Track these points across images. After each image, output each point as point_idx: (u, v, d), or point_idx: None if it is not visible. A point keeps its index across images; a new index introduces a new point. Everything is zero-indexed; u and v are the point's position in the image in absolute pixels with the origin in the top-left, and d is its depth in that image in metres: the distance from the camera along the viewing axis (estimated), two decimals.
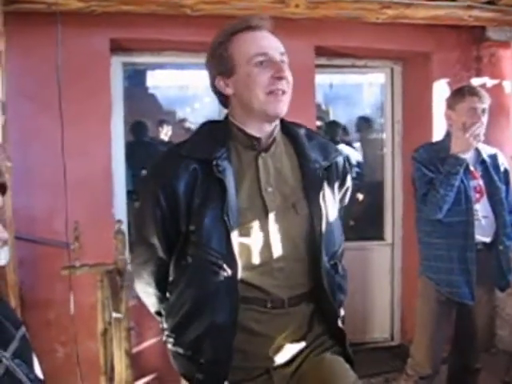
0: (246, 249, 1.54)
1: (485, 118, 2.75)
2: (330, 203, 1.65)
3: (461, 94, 2.79)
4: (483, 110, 2.74)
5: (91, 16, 3.19)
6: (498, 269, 2.82)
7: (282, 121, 1.67)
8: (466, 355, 2.96)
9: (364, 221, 4.95)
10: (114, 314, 2.86)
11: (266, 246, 1.56)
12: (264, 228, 1.55)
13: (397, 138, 4.41)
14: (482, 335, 2.96)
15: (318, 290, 1.62)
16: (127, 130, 5.61)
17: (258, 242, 1.55)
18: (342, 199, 1.78)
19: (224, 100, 1.65)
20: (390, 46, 3.97)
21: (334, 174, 1.69)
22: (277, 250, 1.56)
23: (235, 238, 1.50)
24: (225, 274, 1.50)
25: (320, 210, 1.59)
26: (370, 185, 5.28)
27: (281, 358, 1.60)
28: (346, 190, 1.79)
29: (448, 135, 2.87)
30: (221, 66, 1.58)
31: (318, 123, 5.94)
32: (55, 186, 3.07)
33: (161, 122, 6.18)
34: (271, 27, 1.60)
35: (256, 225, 1.55)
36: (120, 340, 2.90)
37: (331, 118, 6.82)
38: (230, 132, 1.62)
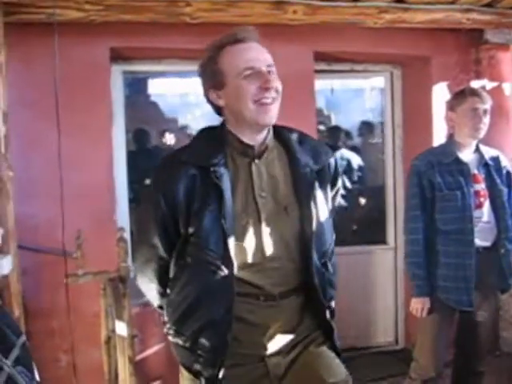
0: (241, 250, 1.63)
1: (487, 119, 2.75)
2: (321, 205, 1.73)
3: (462, 95, 2.80)
4: (485, 111, 2.74)
5: (91, 25, 3.22)
6: (500, 272, 2.81)
7: (275, 126, 1.76)
8: (469, 358, 2.95)
9: (366, 225, 4.95)
10: (117, 323, 2.87)
11: (260, 247, 1.65)
12: (257, 230, 1.65)
13: (397, 142, 4.42)
14: (486, 338, 2.94)
15: (308, 286, 1.71)
16: (130, 138, 5.66)
17: (252, 244, 1.65)
18: (333, 199, 1.86)
19: (218, 110, 1.75)
20: (389, 51, 3.98)
21: (325, 176, 1.78)
22: (270, 251, 1.66)
23: (231, 239, 1.60)
24: (222, 273, 1.61)
25: (310, 212, 1.68)
26: (372, 189, 5.30)
27: (274, 347, 1.71)
28: (338, 191, 1.89)
29: (451, 138, 2.87)
30: (212, 79, 1.68)
31: (321, 127, 5.97)
32: (58, 194, 3.08)
33: (163, 131, 6.25)
34: (258, 38, 1.68)
35: (250, 227, 1.65)
36: (123, 348, 2.91)
37: (333, 122, 6.83)
38: (226, 138, 1.71)
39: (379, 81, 4.64)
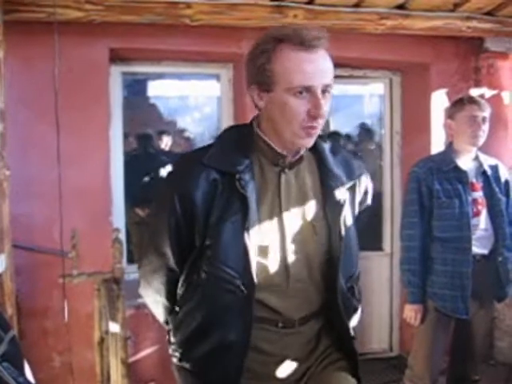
0: (263, 268, 1.47)
1: (485, 127, 2.75)
2: (349, 224, 1.58)
3: (461, 103, 2.81)
4: (483, 119, 2.74)
5: (91, 25, 3.21)
6: (497, 280, 2.81)
7: None
8: (464, 366, 2.95)
9: (363, 231, 4.89)
10: (111, 324, 2.85)
11: (284, 265, 1.50)
12: (282, 248, 1.49)
13: (396, 148, 4.42)
14: (481, 346, 2.95)
15: (331, 311, 1.57)
16: (133, 141, 5.71)
17: (276, 262, 1.49)
18: (357, 218, 1.71)
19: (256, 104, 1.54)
20: (389, 57, 3.98)
21: (355, 193, 1.63)
22: (294, 271, 1.50)
23: (253, 256, 1.44)
24: (240, 293, 1.44)
25: (339, 232, 1.52)
26: None
27: (288, 375, 1.57)
28: (364, 209, 1.75)
29: (450, 145, 2.87)
30: (259, 77, 1.44)
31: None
32: (53, 194, 3.07)
33: (161, 133, 6.21)
34: (327, 44, 1.41)
35: (275, 244, 1.49)
36: (116, 349, 2.89)
37: (331, 128, 6.82)
38: (255, 143, 1.52)
39: (378, 87, 4.64)
